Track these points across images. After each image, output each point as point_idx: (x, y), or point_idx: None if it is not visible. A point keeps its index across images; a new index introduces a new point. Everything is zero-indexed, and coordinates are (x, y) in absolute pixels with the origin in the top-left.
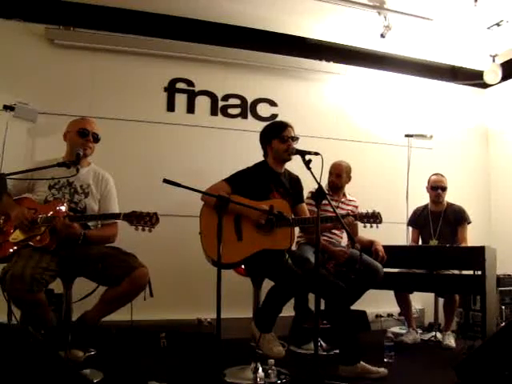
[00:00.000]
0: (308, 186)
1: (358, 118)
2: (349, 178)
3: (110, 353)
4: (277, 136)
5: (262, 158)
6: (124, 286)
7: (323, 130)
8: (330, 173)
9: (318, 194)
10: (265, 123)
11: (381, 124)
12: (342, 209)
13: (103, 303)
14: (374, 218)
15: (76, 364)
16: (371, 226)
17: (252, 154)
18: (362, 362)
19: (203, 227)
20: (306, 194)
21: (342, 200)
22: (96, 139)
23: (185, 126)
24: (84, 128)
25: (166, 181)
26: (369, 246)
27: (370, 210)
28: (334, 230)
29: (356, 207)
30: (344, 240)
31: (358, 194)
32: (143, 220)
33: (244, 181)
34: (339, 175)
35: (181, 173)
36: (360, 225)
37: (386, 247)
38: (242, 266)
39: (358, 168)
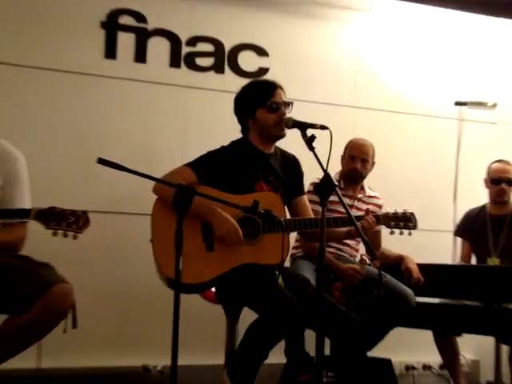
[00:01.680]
0: (309, 175)
1: (386, 77)
2: (373, 165)
3: None
4: (263, 103)
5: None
6: (35, 312)
7: (335, 94)
8: (350, 156)
9: (324, 187)
10: (249, 80)
11: (419, 86)
12: (359, 209)
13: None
14: (404, 222)
15: None
16: (401, 233)
17: (230, 125)
18: None
19: (156, 232)
20: (306, 186)
21: (359, 196)
22: None
23: (131, 82)
24: None
25: (101, 161)
26: (396, 264)
27: (400, 210)
28: (347, 240)
29: (379, 207)
30: (360, 253)
31: (383, 189)
32: (66, 221)
33: (216, 166)
34: (365, 160)
35: (124, 152)
36: (385, 231)
37: (421, 266)
38: (213, 289)
39: (383, 150)
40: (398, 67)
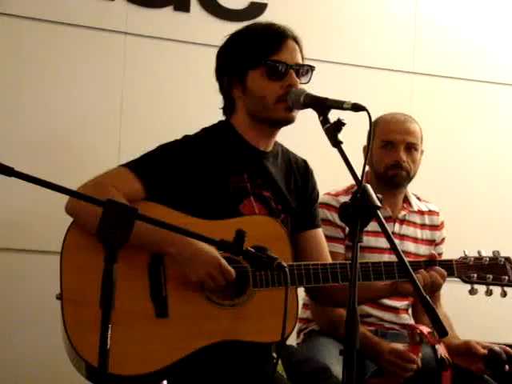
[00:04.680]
0: (326, 183)
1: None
2: (420, 159)
3: None
4: (258, 61)
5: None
6: None
7: (384, 55)
8: (385, 143)
9: (358, 210)
10: (234, 26)
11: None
12: (403, 237)
13: None
14: (495, 273)
15: None
16: (488, 293)
17: (201, 101)
18: None
19: (67, 282)
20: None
21: (403, 215)
22: None
23: (27, 22)
24: None
25: None
26: (461, 353)
27: (485, 254)
28: (389, 299)
29: (438, 229)
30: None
31: (441, 198)
32: None
33: (176, 170)
34: (413, 147)
35: (18, 145)
36: (452, 286)
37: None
38: (164, 383)
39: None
40: (469, 24)
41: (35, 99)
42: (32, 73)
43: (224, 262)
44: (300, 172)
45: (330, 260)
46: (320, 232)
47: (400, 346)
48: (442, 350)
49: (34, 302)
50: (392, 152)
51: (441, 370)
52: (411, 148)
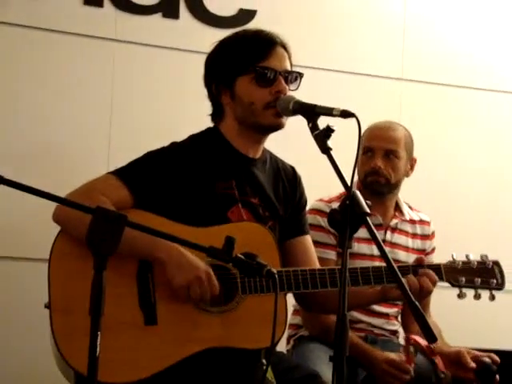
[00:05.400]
0: (318, 189)
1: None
2: (411, 166)
3: None
4: (247, 68)
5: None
6: None
7: (372, 61)
8: (366, 149)
9: (347, 216)
10: (222, 33)
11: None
12: (394, 246)
13: None
14: (484, 277)
15: None
16: (477, 296)
17: (189, 107)
18: None
19: (56, 291)
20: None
21: (394, 223)
22: None
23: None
24: None
25: None
26: (451, 361)
27: (474, 257)
28: (378, 305)
29: (429, 239)
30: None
31: (433, 206)
32: None
33: (163, 177)
34: (392, 154)
35: (7, 153)
36: (442, 292)
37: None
38: None
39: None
40: (459, 29)
41: (24, 106)
42: (20, 80)
43: (209, 270)
44: (288, 179)
45: (318, 266)
46: (308, 238)
47: (395, 356)
48: (440, 364)
49: (31, 310)
50: (371, 159)
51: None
52: (390, 155)
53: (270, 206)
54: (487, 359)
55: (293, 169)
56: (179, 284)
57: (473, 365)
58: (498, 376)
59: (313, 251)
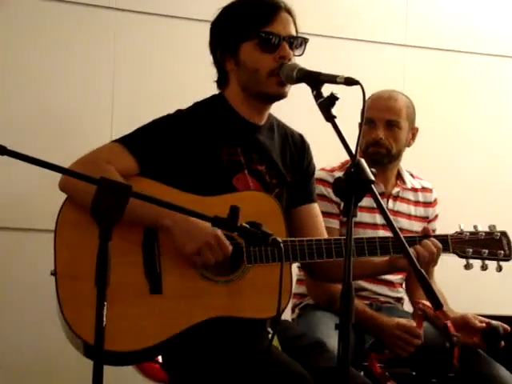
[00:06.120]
0: (322, 158)
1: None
2: (413, 136)
3: None
4: (251, 33)
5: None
6: None
7: (377, 28)
8: (367, 120)
9: (352, 184)
10: (224, 1)
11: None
12: (397, 214)
13: None
14: (491, 248)
15: None
16: (483, 268)
17: (193, 74)
18: None
19: (62, 258)
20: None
21: (396, 191)
22: None
23: None
24: None
25: None
26: (457, 327)
27: (482, 228)
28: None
29: (432, 206)
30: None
31: (437, 177)
32: None
33: (168, 145)
34: (393, 124)
35: (10, 124)
36: (449, 261)
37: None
38: (159, 359)
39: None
40: None
41: (24, 77)
42: (21, 50)
43: (221, 234)
44: (296, 146)
45: (325, 235)
46: (316, 207)
47: (405, 321)
48: (452, 327)
49: (31, 282)
50: (372, 129)
51: (453, 347)
52: (392, 125)
53: (277, 173)
54: (495, 322)
55: (301, 136)
56: (189, 251)
57: (480, 325)
58: (503, 342)
59: (320, 219)
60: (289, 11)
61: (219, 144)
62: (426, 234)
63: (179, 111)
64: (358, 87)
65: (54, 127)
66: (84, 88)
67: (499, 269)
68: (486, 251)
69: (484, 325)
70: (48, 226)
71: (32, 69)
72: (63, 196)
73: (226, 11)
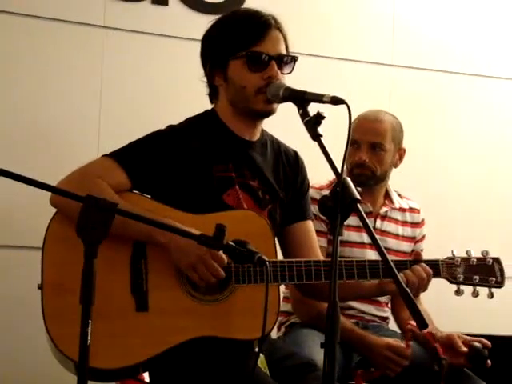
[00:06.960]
0: (317, 175)
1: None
2: (400, 157)
3: None
4: (239, 50)
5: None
6: None
7: (365, 48)
8: (352, 142)
9: (338, 203)
10: (212, 20)
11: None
12: (384, 234)
13: None
14: (483, 274)
15: None
16: (475, 294)
17: (181, 96)
18: None
19: (49, 271)
20: None
21: (384, 211)
22: None
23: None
24: None
25: None
26: (444, 346)
27: (474, 254)
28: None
29: (419, 227)
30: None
31: (425, 197)
32: None
33: (162, 160)
34: (377, 146)
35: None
36: (433, 280)
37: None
38: (145, 377)
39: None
40: (448, 15)
41: (13, 93)
42: (9, 67)
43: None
44: (289, 163)
45: (319, 253)
46: (310, 224)
47: (394, 341)
48: (440, 350)
49: (18, 298)
50: (356, 151)
51: (441, 370)
52: (376, 148)
53: (269, 189)
54: (478, 344)
55: (295, 153)
56: (185, 267)
57: (464, 349)
58: (489, 361)
59: (314, 237)
60: (279, 29)
61: (211, 160)
62: (417, 259)
63: (171, 127)
64: (344, 106)
65: (39, 145)
66: (71, 105)
67: (491, 295)
68: (478, 277)
69: (466, 349)
70: (36, 243)
71: (19, 86)
72: (51, 213)
73: (217, 26)
